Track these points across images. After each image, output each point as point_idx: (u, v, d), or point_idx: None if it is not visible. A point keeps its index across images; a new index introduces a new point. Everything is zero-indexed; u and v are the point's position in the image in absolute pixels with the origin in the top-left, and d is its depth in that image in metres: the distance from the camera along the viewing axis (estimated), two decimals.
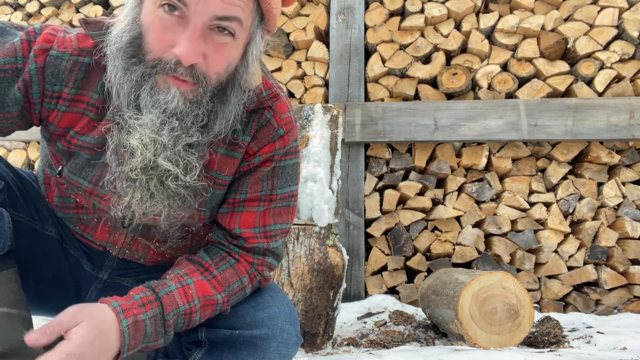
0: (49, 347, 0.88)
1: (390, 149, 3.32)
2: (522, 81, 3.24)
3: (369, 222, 3.28)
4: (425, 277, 3.07)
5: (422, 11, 3.35)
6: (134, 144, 0.93)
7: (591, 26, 3.20)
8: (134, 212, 1.01)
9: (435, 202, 3.24)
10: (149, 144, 0.93)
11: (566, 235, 3.12)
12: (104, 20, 1.03)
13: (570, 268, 3.09)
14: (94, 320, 0.89)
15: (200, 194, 1.03)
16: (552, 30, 3.24)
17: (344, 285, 2.36)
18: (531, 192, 3.18)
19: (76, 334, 0.86)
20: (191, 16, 0.87)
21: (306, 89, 3.47)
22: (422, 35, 3.36)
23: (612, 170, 3.18)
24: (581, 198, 3.12)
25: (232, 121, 1.01)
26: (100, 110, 1.03)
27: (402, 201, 3.28)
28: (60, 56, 1.01)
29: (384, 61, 3.37)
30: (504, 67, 3.30)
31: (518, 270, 3.12)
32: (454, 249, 3.17)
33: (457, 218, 3.21)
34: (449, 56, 3.36)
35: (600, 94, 3.17)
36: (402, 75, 3.37)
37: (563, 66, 3.20)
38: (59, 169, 1.09)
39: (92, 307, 0.92)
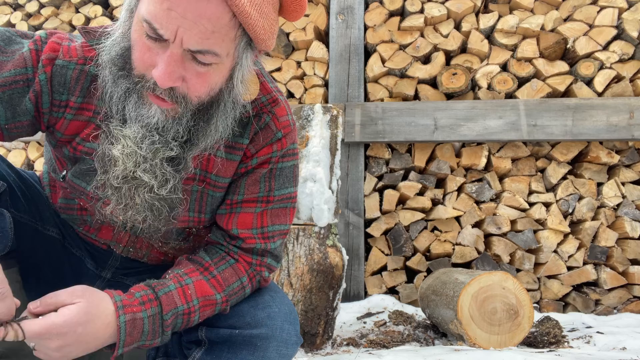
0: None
1: (390, 149, 3.32)
2: (521, 81, 3.25)
3: (368, 222, 3.28)
4: (425, 277, 3.07)
5: (421, 11, 3.35)
6: (116, 154, 0.95)
7: (591, 26, 3.20)
8: (119, 219, 1.03)
9: (435, 202, 3.25)
10: (131, 154, 0.94)
11: (566, 235, 3.12)
12: (99, 31, 1.03)
13: (569, 268, 3.09)
14: (90, 305, 0.91)
15: (177, 206, 1.04)
16: (552, 31, 3.24)
17: (344, 285, 2.36)
18: (531, 192, 3.18)
19: (67, 310, 0.89)
20: (170, 43, 0.86)
21: (306, 89, 3.47)
22: (422, 36, 3.37)
23: (611, 171, 3.19)
24: (581, 198, 3.13)
25: (220, 136, 1.01)
26: (101, 119, 1.04)
27: (401, 201, 3.28)
28: (66, 65, 1.02)
29: (383, 61, 3.37)
30: (504, 67, 3.30)
31: (518, 270, 3.12)
32: (453, 249, 3.18)
33: (457, 218, 3.22)
34: (449, 56, 3.36)
35: (600, 94, 3.17)
36: (402, 75, 3.37)
37: (563, 66, 3.20)
38: (63, 173, 1.10)
39: (94, 292, 0.94)
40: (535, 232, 3.13)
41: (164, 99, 0.91)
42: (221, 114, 0.98)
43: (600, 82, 3.14)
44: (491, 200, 3.20)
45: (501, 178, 3.26)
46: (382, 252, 3.24)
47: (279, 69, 3.53)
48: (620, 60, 3.17)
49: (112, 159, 0.96)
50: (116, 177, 0.96)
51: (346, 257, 2.36)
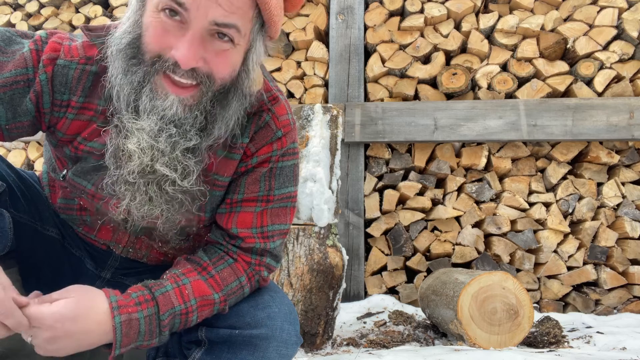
0: None
1: (389, 149, 3.32)
2: (521, 81, 3.25)
3: (368, 222, 3.28)
4: (425, 277, 3.07)
5: (421, 11, 3.36)
6: (132, 149, 0.94)
7: (591, 26, 3.20)
8: (133, 215, 1.01)
9: (435, 202, 3.25)
10: (147, 148, 0.93)
11: (566, 235, 3.12)
12: (105, 26, 1.03)
13: (569, 268, 3.09)
14: (80, 301, 0.92)
15: (198, 198, 1.03)
16: (552, 31, 3.24)
17: (344, 285, 2.36)
18: (531, 192, 3.18)
19: (58, 304, 0.91)
20: (191, 21, 0.87)
21: (306, 89, 3.47)
22: (422, 36, 3.37)
23: (611, 171, 3.19)
24: (581, 198, 3.12)
25: (233, 126, 1.01)
26: (107, 117, 1.03)
27: (401, 201, 3.28)
28: (68, 65, 1.01)
29: (383, 61, 3.37)
30: (504, 67, 3.30)
31: (518, 270, 3.12)
32: (453, 249, 3.18)
33: (457, 218, 3.22)
34: (449, 56, 3.36)
35: (600, 94, 3.17)
36: (402, 75, 3.37)
37: (563, 66, 3.20)
38: (63, 172, 1.09)
39: (88, 290, 0.95)
40: (535, 232, 3.12)
41: (183, 86, 0.91)
42: (237, 100, 0.99)
43: (600, 82, 3.14)
44: (491, 200, 3.20)
45: (501, 178, 3.26)
46: (382, 252, 3.24)
47: (279, 69, 3.53)
48: (620, 60, 3.17)
49: (126, 154, 0.95)
50: (131, 172, 0.95)
51: (346, 257, 2.36)
